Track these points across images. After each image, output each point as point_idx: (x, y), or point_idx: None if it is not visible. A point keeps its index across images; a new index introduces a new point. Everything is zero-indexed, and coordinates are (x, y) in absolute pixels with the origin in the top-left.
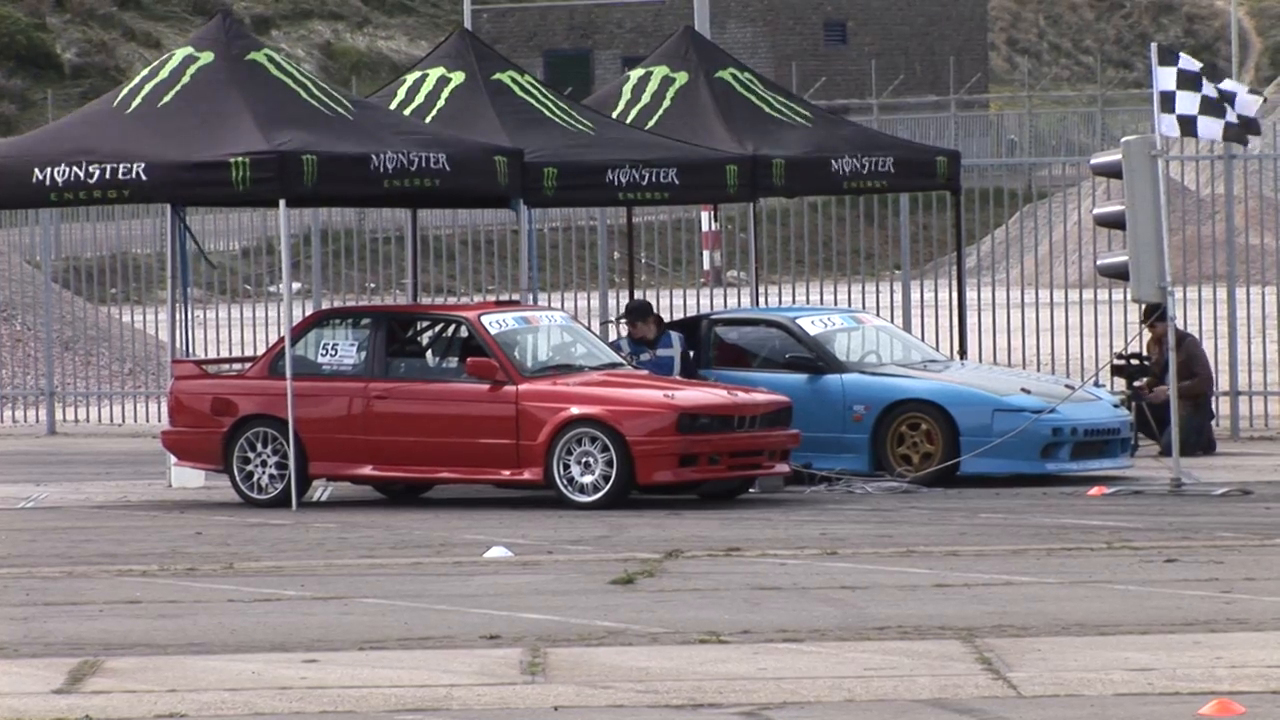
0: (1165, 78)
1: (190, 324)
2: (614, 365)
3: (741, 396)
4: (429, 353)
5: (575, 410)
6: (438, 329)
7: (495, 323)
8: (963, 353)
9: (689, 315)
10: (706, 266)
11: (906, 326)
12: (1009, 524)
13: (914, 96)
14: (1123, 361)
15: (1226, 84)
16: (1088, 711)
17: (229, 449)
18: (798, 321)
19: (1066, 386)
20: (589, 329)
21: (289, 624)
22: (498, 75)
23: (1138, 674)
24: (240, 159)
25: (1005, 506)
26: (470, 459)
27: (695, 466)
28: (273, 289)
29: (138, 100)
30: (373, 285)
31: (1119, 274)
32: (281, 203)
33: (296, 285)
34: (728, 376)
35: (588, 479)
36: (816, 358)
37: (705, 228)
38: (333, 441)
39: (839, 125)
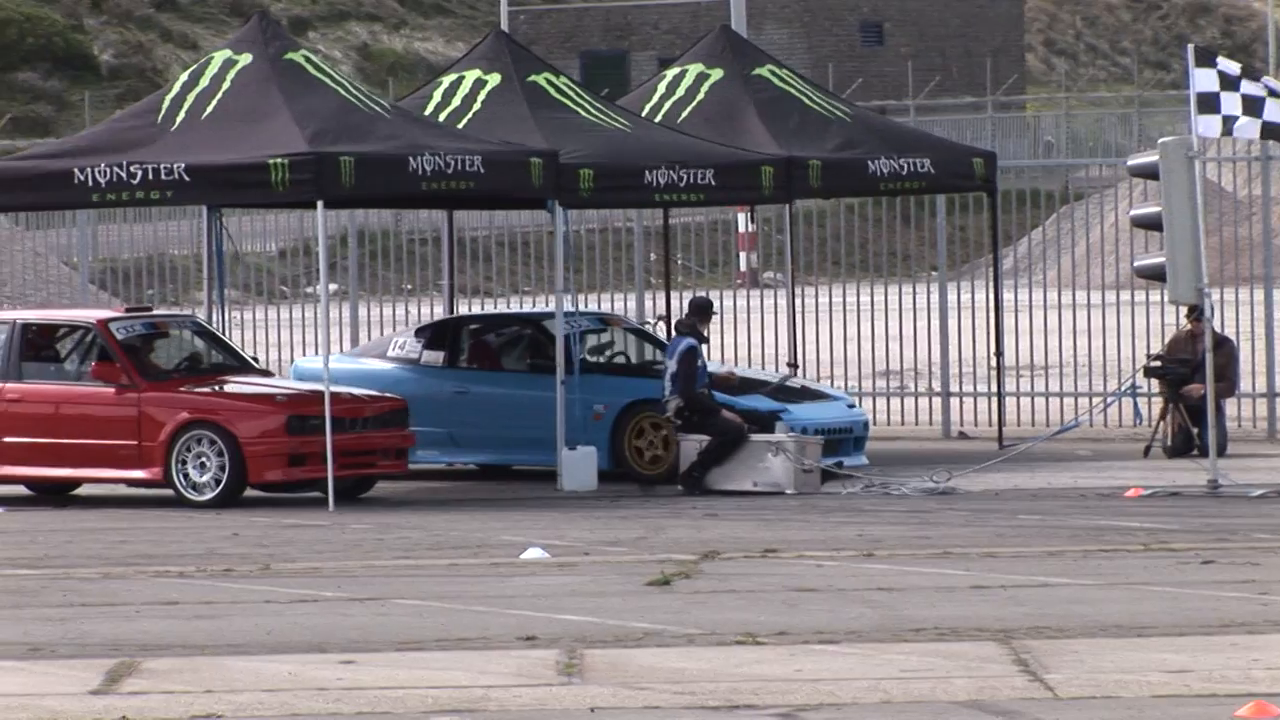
0: (1203, 79)
1: (227, 325)
2: (242, 369)
3: (353, 399)
4: (62, 357)
5: (192, 412)
6: (69, 334)
7: (122, 329)
8: (999, 353)
9: (444, 317)
10: (743, 268)
11: (943, 328)
12: (1046, 526)
13: (951, 98)
14: (1158, 364)
15: (1270, 80)
16: (1124, 713)
17: None
18: (544, 324)
19: (803, 387)
20: (220, 334)
21: (326, 625)
22: (533, 77)
23: (1174, 676)
24: (279, 160)
25: (1042, 508)
26: (98, 459)
27: (305, 466)
28: (310, 290)
29: (182, 114)
30: (409, 287)
31: (1156, 275)
32: (319, 204)
33: (333, 287)
34: (475, 376)
35: (203, 478)
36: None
37: (741, 229)
38: None
39: (878, 122)
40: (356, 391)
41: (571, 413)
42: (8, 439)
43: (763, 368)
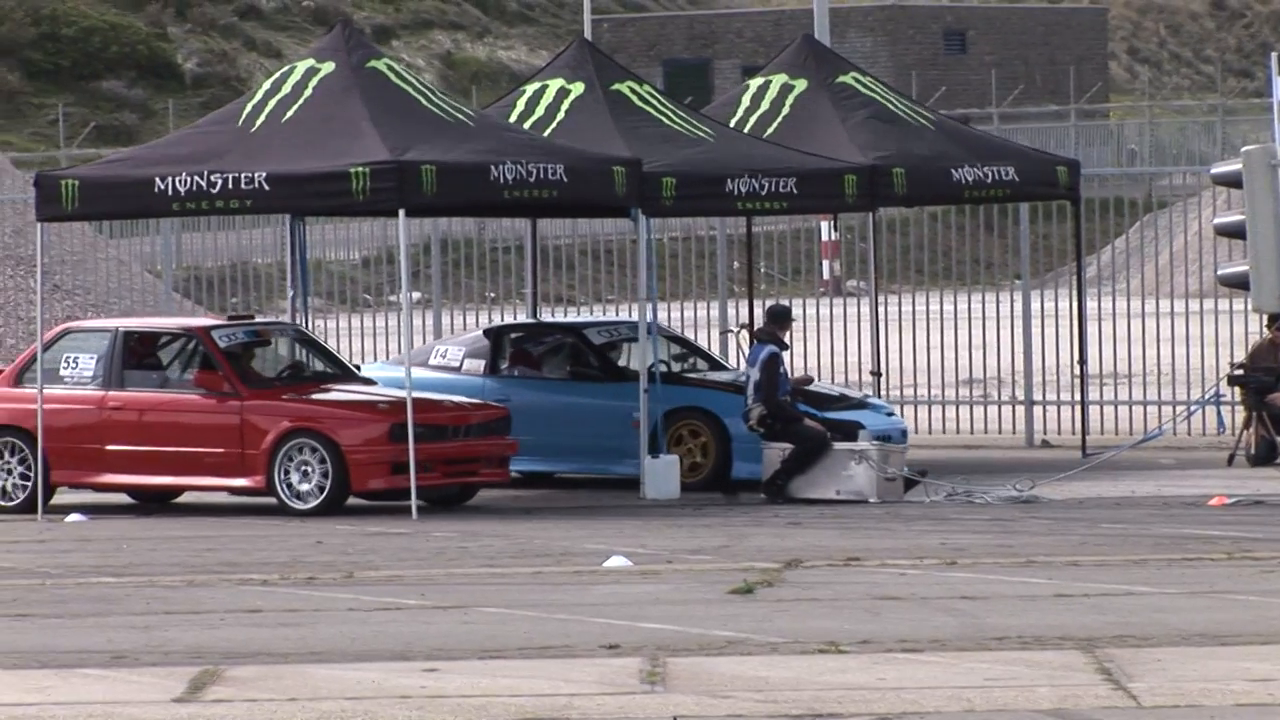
0: None
1: (310, 333)
2: (345, 378)
3: (457, 407)
4: (164, 365)
5: (295, 420)
6: (172, 343)
7: (225, 337)
8: (1083, 361)
9: (491, 325)
10: (826, 276)
11: (1026, 336)
12: (1129, 534)
13: (1034, 106)
14: (1241, 372)
15: None
16: None
17: None
18: (584, 332)
19: (841, 394)
20: (320, 345)
21: (409, 633)
22: (616, 86)
23: (1258, 684)
24: (360, 169)
25: (1125, 517)
26: (199, 467)
27: (408, 474)
28: (393, 298)
29: (262, 118)
30: (492, 295)
31: (1239, 284)
32: (400, 212)
33: (416, 295)
34: (516, 384)
35: (306, 486)
36: (600, 366)
37: (825, 237)
38: (73, 450)
39: (961, 130)
40: (460, 399)
41: (610, 420)
42: (110, 447)
43: (845, 376)
